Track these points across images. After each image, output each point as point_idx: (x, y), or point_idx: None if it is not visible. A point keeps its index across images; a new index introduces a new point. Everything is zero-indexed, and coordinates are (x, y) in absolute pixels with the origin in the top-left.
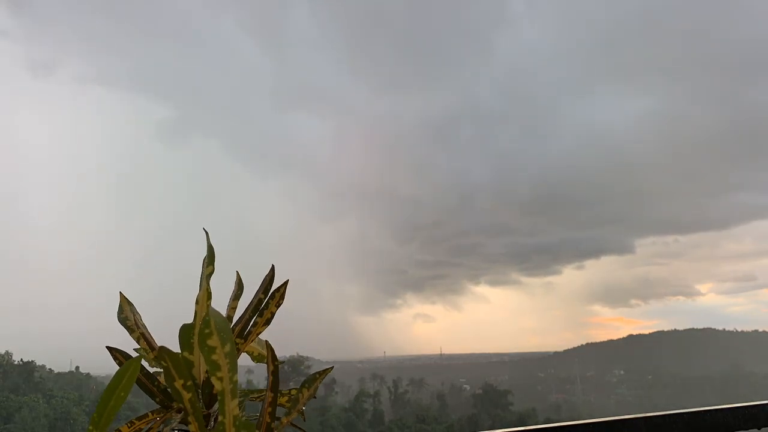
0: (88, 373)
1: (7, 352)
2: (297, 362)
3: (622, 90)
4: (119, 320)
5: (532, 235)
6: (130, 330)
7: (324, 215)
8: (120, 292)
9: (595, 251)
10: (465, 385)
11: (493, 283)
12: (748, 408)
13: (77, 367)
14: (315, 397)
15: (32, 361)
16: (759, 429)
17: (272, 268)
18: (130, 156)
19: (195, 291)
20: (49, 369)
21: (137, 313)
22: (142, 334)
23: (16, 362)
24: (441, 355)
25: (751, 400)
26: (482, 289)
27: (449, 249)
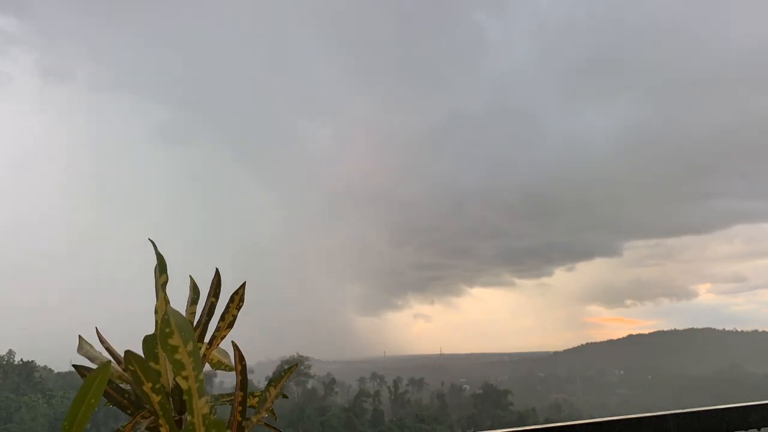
0: None
1: (10, 351)
2: (297, 362)
3: (600, 105)
4: (80, 354)
5: (523, 239)
6: (92, 359)
7: (325, 219)
8: (79, 335)
9: (585, 254)
10: (465, 385)
11: (492, 284)
12: (747, 408)
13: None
14: (285, 396)
15: (32, 361)
16: (758, 429)
17: (216, 272)
18: (133, 157)
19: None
20: (50, 369)
21: (98, 342)
22: (108, 350)
23: (16, 362)
24: (441, 355)
25: (750, 400)
26: (481, 290)
27: (446, 251)
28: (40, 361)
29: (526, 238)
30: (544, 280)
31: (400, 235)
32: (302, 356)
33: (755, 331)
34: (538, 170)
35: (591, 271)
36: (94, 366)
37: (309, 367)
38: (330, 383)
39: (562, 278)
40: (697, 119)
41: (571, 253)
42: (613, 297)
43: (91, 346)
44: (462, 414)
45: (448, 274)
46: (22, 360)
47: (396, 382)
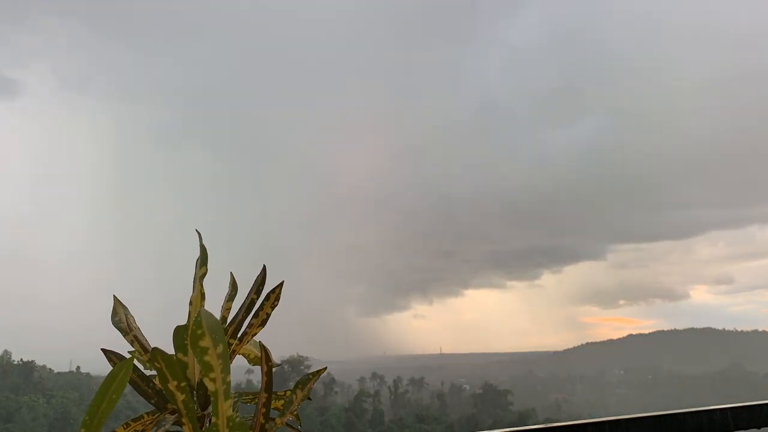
0: (88, 373)
1: (6, 352)
2: (297, 362)
3: (570, 124)
4: (113, 323)
5: (514, 243)
6: (124, 333)
7: (325, 221)
8: (114, 296)
9: (577, 256)
10: (465, 385)
11: (491, 285)
12: (747, 408)
13: (77, 367)
14: (309, 399)
15: (32, 361)
16: (759, 429)
17: (264, 268)
18: (133, 157)
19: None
20: (49, 369)
21: (131, 315)
22: (135, 337)
23: (15, 362)
24: (441, 354)
25: (751, 400)
26: (480, 291)
27: (444, 254)
28: (40, 361)
29: (516, 242)
30: (541, 281)
31: (399, 239)
32: (302, 356)
33: (755, 331)
34: (521, 182)
35: (586, 272)
36: (119, 351)
37: (309, 367)
38: (330, 383)
39: (560, 279)
40: (661, 138)
41: (565, 255)
42: (610, 298)
43: (127, 312)
44: (462, 414)
45: (447, 276)
46: (21, 360)
47: (396, 382)
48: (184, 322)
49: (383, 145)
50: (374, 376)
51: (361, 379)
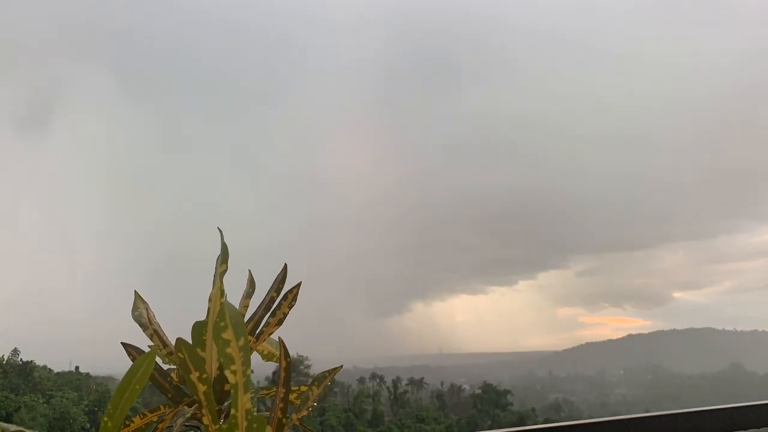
0: (87, 373)
1: (2, 357)
2: (296, 362)
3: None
4: (133, 317)
5: (508, 249)
6: (144, 327)
7: (326, 223)
8: (135, 291)
9: (547, 265)
10: (464, 385)
11: (478, 290)
12: (748, 408)
13: (77, 367)
14: (317, 400)
15: (32, 360)
16: (759, 429)
17: (284, 267)
18: (140, 155)
19: (205, 291)
20: (49, 369)
21: (151, 310)
22: (155, 331)
23: (15, 362)
24: (441, 354)
25: (751, 400)
26: (480, 291)
27: (444, 256)
28: (39, 361)
29: (492, 252)
30: (541, 281)
31: (396, 243)
32: (302, 356)
33: (755, 331)
34: (489, 203)
35: (563, 278)
36: (137, 344)
37: (309, 367)
38: (330, 383)
39: (560, 279)
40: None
41: (535, 264)
42: (600, 300)
43: (147, 307)
44: (461, 414)
45: (446, 277)
46: (21, 360)
47: (395, 382)
48: (196, 319)
49: (380, 172)
50: (374, 376)
51: (361, 380)
